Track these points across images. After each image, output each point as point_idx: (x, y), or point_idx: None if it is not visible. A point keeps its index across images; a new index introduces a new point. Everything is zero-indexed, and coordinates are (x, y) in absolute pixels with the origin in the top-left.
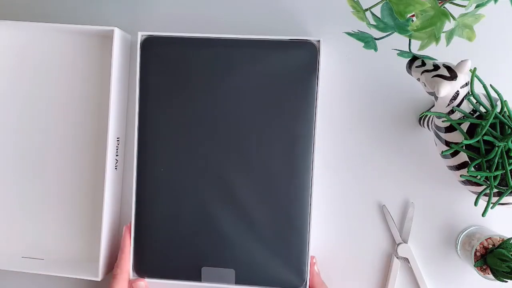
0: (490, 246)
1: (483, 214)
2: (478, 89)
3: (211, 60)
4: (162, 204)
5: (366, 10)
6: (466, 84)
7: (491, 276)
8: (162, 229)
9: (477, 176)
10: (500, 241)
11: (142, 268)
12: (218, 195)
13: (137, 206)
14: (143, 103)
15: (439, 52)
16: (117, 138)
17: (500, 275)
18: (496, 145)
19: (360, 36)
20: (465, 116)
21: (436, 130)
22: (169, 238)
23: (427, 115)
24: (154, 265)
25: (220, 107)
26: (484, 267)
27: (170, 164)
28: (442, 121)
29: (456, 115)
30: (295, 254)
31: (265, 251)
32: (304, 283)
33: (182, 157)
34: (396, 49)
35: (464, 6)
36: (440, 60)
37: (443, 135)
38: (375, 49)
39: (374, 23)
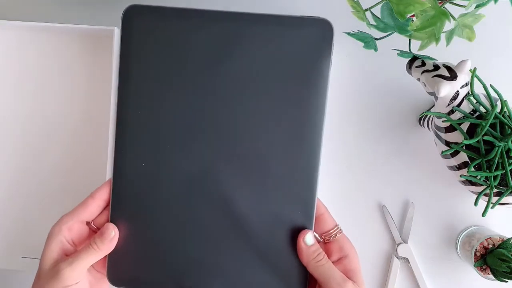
0: (490, 246)
1: (483, 214)
2: (478, 89)
3: (208, 37)
4: (139, 206)
5: (366, 10)
6: (466, 84)
7: (491, 276)
8: (139, 235)
9: (477, 176)
10: (500, 241)
11: (115, 275)
12: (208, 197)
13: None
14: (122, 88)
15: (439, 52)
16: None
17: (500, 275)
18: (496, 145)
19: (360, 36)
20: (465, 116)
21: (436, 130)
22: (148, 245)
23: (427, 115)
24: (129, 273)
25: (217, 92)
26: (484, 267)
27: (153, 158)
28: (442, 121)
29: (456, 115)
30: (296, 270)
31: (261, 265)
32: None
33: (168, 151)
34: (396, 49)
35: (464, 6)
36: (440, 60)
37: (443, 135)
38: (375, 49)
39: (374, 23)
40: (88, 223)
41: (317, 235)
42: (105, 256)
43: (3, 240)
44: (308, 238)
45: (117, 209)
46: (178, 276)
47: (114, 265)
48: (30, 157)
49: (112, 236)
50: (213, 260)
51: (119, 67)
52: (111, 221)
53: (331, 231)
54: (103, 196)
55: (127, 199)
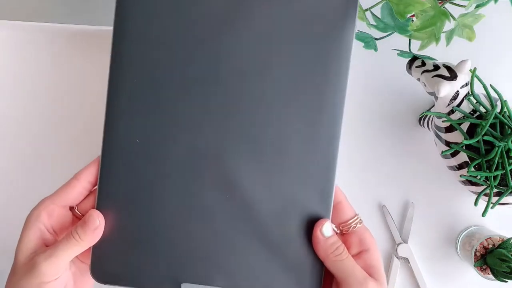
0: (490, 246)
1: (483, 214)
2: (478, 89)
3: None
4: (131, 190)
5: (366, 10)
6: (466, 84)
7: (491, 276)
8: (130, 223)
9: (477, 176)
10: (500, 241)
11: (101, 271)
12: (212, 180)
13: (100, 187)
14: (116, 49)
15: (439, 52)
16: None
17: (500, 275)
18: (496, 145)
19: (360, 36)
20: (465, 116)
21: (436, 130)
22: (140, 235)
23: (427, 115)
24: (117, 268)
25: (226, 58)
26: (484, 267)
27: (149, 134)
28: (442, 121)
29: (456, 115)
30: (310, 262)
31: (270, 257)
32: None
33: (167, 126)
34: (396, 49)
35: (464, 6)
36: (440, 60)
37: (443, 135)
38: (375, 49)
39: (374, 23)
40: (71, 209)
41: (334, 226)
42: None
43: (3, 241)
44: (326, 229)
45: (105, 194)
46: (174, 271)
47: (99, 259)
48: (30, 157)
49: (96, 225)
50: (215, 252)
51: (113, 27)
52: (97, 208)
53: (350, 222)
54: (89, 178)
55: (117, 182)
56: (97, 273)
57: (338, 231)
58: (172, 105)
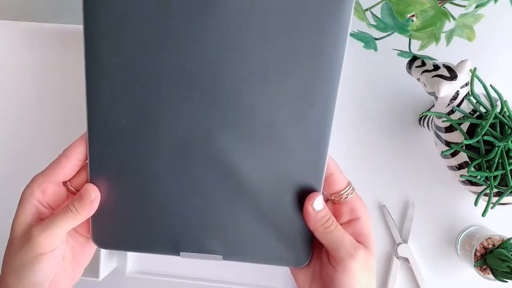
0: (490, 246)
1: (483, 214)
2: (478, 89)
3: None
4: (123, 164)
5: (366, 10)
6: (466, 84)
7: (491, 276)
8: (127, 195)
9: (477, 176)
10: (500, 241)
11: (101, 238)
12: (204, 153)
13: (93, 161)
14: (90, 26)
15: (439, 52)
16: None
17: (500, 275)
18: (496, 145)
19: (360, 36)
20: (465, 116)
21: (436, 130)
22: (135, 205)
23: (427, 115)
24: (117, 234)
25: (214, 35)
26: (484, 267)
27: (136, 116)
28: (442, 121)
29: (456, 115)
30: (301, 230)
31: (263, 226)
32: (309, 261)
33: (154, 107)
34: (396, 49)
35: (464, 6)
36: (440, 60)
37: (443, 135)
38: (375, 49)
39: (374, 23)
40: (64, 183)
41: (325, 193)
42: (88, 218)
43: (3, 241)
44: (317, 203)
45: (97, 169)
46: (173, 239)
47: (99, 228)
48: (27, 158)
49: (92, 198)
50: (210, 220)
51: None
52: (91, 182)
53: (341, 192)
54: (78, 156)
55: (107, 158)
56: (98, 239)
57: (330, 199)
58: (159, 86)
